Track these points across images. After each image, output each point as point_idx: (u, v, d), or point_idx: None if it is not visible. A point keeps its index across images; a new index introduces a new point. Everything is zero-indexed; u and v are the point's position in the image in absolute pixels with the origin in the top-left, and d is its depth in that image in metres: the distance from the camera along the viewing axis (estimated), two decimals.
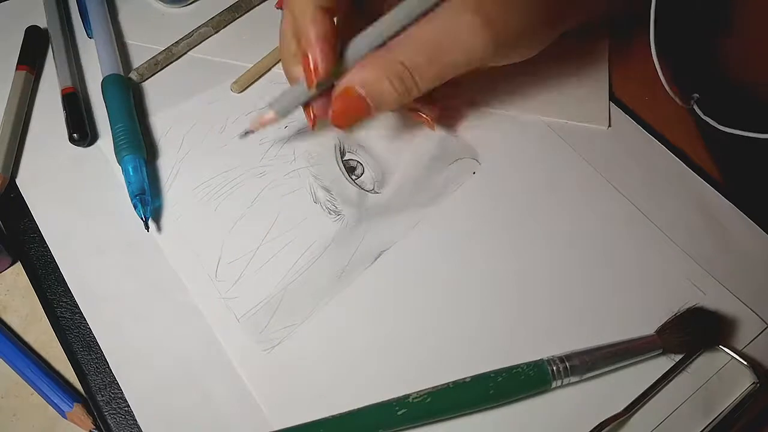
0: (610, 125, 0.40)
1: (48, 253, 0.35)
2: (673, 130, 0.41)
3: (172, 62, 0.43)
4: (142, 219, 0.35)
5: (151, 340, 0.32)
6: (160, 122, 0.40)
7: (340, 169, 0.38)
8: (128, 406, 0.31)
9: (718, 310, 0.33)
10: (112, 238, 0.35)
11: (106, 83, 0.39)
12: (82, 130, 0.38)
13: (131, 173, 0.36)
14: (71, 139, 0.38)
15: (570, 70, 0.43)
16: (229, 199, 0.37)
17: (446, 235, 0.36)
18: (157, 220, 0.36)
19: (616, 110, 0.41)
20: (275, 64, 0.42)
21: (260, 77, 0.41)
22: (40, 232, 0.35)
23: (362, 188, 0.37)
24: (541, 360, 0.30)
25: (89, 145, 0.39)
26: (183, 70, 0.43)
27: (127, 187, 0.36)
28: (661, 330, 0.32)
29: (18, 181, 0.37)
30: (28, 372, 0.32)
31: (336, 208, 0.37)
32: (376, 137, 0.39)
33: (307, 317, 0.33)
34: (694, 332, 0.32)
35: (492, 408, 0.30)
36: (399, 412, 0.29)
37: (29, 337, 0.34)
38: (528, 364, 0.30)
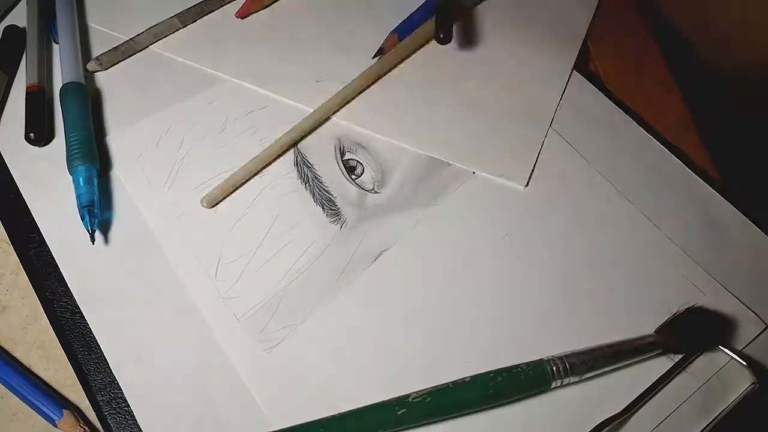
0: (527, 185, 0.38)
1: (48, 253, 0.35)
2: (672, 129, 0.41)
3: (136, 53, 0.43)
4: (88, 231, 0.34)
5: (151, 340, 0.32)
6: (136, 128, 0.40)
7: (340, 169, 0.38)
8: (128, 406, 0.31)
9: (718, 310, 0.33)
10: (111, 238, 0.35)
11: (65, 91, 0.39)
12: (39, 130, 0.38)
13: (82, 184, 0.35)
14: (27, 138, 0.37)
15: (506, 121, 0.40)
16: (229, 199, 0.37)
17: (446, 235, 0.36)
18: (105, 232, 0.36)
19: (616, 109, 0.41)
20: (249, 179, 0.38)
21: (233, 191, 0.37)
22: (39, 232, 0.35)
23: (362, 188, 0.37)
24: (541, 360, 0.30)
25: (44, 144, 0.39)
26: (148, 77, 0.42)
27: (77, 198, 0.35)
28: (661, 330, 0.32)
29: (18, 181, 0.37)
30: (14, 384, 0.32)
31: (336, 207, 0.37)
32: (376, 137, 0.39)
33: (307, 317, 0.33)
34: (693, 332, 0.32)
35: (492, 408, 0.30)
36: (399, 412, 0.29)
37: (29, 337, 0.34)
38: (528, 364, 0.30)
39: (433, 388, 0.30)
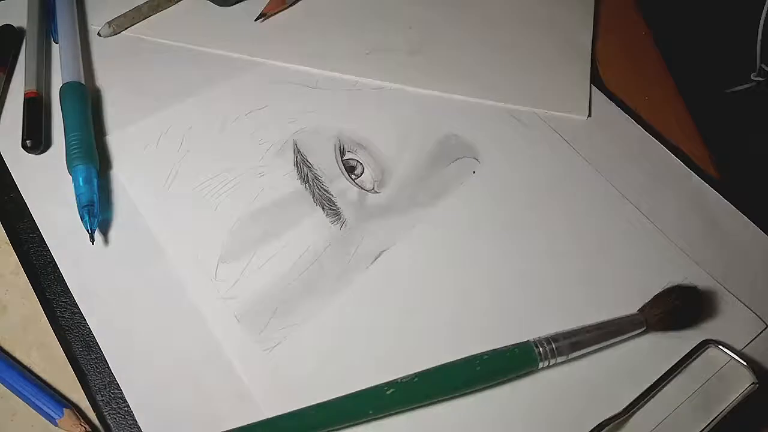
0: (590, 115, 0.41)
1: (48, 253, 0.35)
2: (673, 130, 0.41)
3: (146, 18, 0.44)
4: (88, 231, 0.34)
5: (151, 340, 0.32)
6: (130, 130, 0.40)
7: (340, 169, 0.38)
8: (128, 406, 0.31)
9: (718, 309, 0.34)
10: (111, 238, 0.35)
11: (65, 90, 0.39)
12: (36, 138, 0.38)
13: (81, 184, 0.35)
14: (24, 146, 0.38)
15: (550, 58, 0.44)
16: (229, 199, 0.37)
17: (446, 235, 0.36)
18: (105, 231, 0.36)
19: (615, 110, 0.41)
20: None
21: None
22: (39, 232, 0.35)
23: (362, 188, 0.37)
24: (527, 341, 0.31)
25: (41, 152, 0.39)
26: (148, 76, 0.42)
27: (76, 198, 0.35)
28: (643, 308, 0.33)
29: (17, 181, 0.37)
30: (14, 383, 0.32)
31: (336, 207, 0.37)
32: (376, 137, 0.40)
33: (307, 317, 0.33)
34: (674, 307, 0.32)
35: (481, 390, 0.31)
36: (388, 392, 0.29)
37: (29, 337, 0.34)
38: (514, 345, 0.31)
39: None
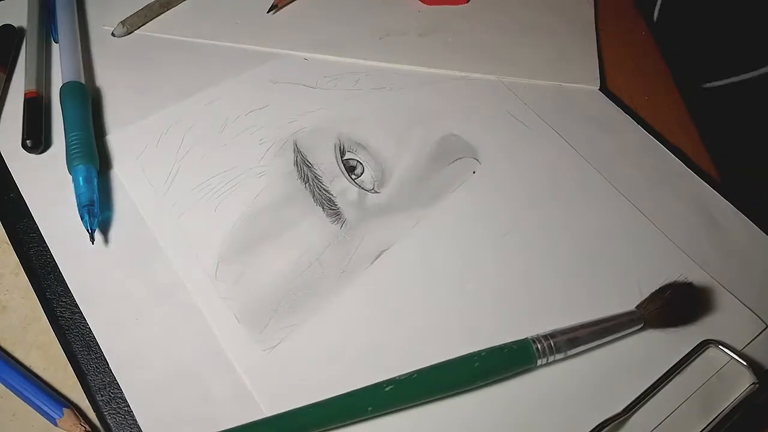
0: (600, 87, 0.42)
1: (48, 253, 0.35)
2: (673, 130, 0.41)
3: (160, 14, 0.44)
4: (88, 231, 0.34)
5: (151, 340, 0.32)
6: (134, 128, 0.40)
7: (340, 168, 0.38)
8: (128, 406, 0.31)
9: (718, 309, 0.34)
10: (111, 238, 0.35)
11: (65, 90, 0.39)
12: (36, 138, 0.38)
13: (81, 183, 0.35)
14: (24, 146, 0.38)
15: (557, 34, 0.45)
16: (229, 199, 0.37)
17: (446, 235, 0.36)
18: (105, 231, 0.36)
19: (615, 109, 0.41)
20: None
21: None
22: (39, 232, 0.35)
23: (362, 188, 0.37)
24: (526, 338, 0.31)
25: (42, 152, 0.39)
26: (148, 76, 0.42)
27: (76, 198, 0.35)
28: (641, 305, 0.33)
29: (17, 181, 0.37)
30: (14, 383, 0.32)
31: (336, 207, 0.37)
32: (376, 137, 0.40)
33: (308, 317, 0.33)
34: (671, 303, 0.32)
35: (480, 389, 0.31)
36: (387, 388, 0.29)
37: (29, 337, 0.34)
38: (513, 342, 0.31)
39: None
